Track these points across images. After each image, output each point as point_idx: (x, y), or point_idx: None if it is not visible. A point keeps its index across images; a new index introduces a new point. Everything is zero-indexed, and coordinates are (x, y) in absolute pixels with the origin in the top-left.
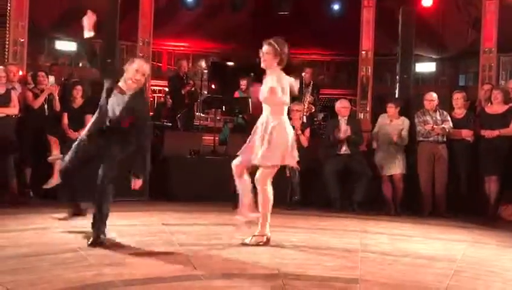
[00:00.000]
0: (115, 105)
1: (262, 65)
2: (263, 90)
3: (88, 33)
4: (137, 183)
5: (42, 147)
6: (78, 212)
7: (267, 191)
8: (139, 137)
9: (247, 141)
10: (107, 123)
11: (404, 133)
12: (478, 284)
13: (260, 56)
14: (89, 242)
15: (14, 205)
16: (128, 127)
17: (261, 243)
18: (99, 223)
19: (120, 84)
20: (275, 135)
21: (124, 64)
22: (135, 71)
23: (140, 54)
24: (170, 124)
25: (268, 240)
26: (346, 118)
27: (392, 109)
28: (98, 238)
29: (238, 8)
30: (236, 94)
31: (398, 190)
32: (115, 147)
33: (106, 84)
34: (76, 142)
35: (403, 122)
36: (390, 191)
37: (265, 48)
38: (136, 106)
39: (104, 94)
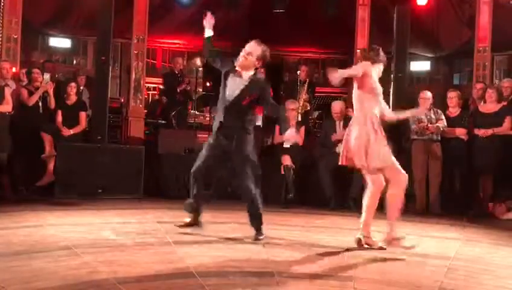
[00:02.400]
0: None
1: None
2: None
3: (208, 32)
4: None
5: (36, 145)
6: (195, 223)
7: None
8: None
9: None
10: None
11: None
12: (471, 281)
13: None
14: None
15: (7, 202)
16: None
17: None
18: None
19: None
20: None
21: (119, 61)
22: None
23: (135, 51)
24: (164, 122)
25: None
26: (342, 121)
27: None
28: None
29: (233, 5)
30: None
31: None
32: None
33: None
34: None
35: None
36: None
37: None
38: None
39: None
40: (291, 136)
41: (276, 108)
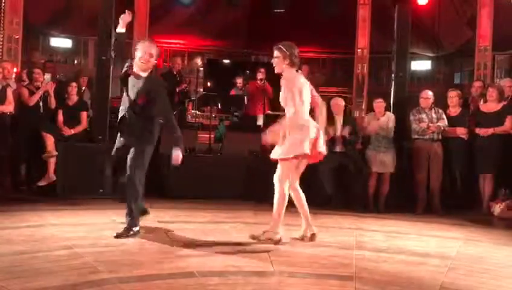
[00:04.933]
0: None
1: (275, 70)
2: (281, 96)
3: (120, 29)
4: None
5: (37, 144)
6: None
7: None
8: (165, 117)
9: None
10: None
11: (391, 125)
12: (472, 281)
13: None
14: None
15: (9, 202)
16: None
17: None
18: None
19: (134, 68)
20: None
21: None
22: (143, 53)
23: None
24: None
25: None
26: (342, 117)
27: (381, 104)
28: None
29: (234, 3)
30: (233, 92)
31: (385, 188)
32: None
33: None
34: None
35: (389, 118)
36: (373, 189)
37: (274, 53)
38: (151, 88)
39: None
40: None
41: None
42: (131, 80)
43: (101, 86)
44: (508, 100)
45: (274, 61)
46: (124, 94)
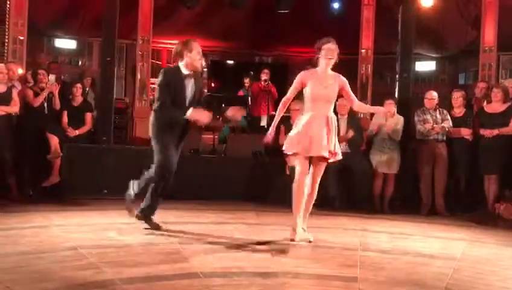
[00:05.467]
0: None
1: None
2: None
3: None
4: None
5: (42, 145)
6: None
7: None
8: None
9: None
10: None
11: (399, 128)
12: (477, 282)
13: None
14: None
15: (14, 203)
16: None
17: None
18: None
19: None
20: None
21: (125, 62)
22: (198, 52)
23: (140, 52)
24: None
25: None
26: (346, 117)
27: (391, 105)
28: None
29: (238, 4)
30: (241, 93)
31: (389, 189)
32: None
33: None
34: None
35: (398, 120)
36: (379, 189)
37: (335, 46)
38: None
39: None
40: None
41: None
42: (179, 81)
43: (106, 87)
44: None
45: (336, 54)
46: (172, 97)
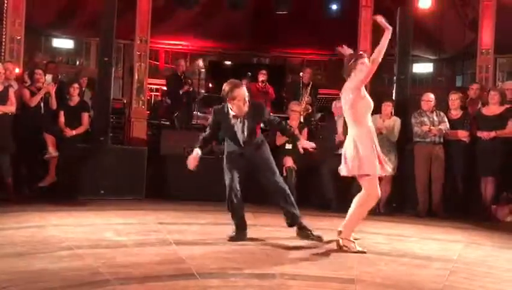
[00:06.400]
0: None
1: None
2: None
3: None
4: None
5: (38, 145)
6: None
7: None
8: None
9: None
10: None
11: (396, 129)
12: (474, 284)
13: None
14: None
15: (10, 202)
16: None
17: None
18: None
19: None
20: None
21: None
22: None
23: (138, 53)
24: (168, 123)
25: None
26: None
27: (389, 107)
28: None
29: (236, 5)
30: None
31: (386, 191)
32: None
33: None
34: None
35: (395, 122)
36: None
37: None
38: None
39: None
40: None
41: None
42: (226, 122)
43: (103, 87)
44: (510, 104)
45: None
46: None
